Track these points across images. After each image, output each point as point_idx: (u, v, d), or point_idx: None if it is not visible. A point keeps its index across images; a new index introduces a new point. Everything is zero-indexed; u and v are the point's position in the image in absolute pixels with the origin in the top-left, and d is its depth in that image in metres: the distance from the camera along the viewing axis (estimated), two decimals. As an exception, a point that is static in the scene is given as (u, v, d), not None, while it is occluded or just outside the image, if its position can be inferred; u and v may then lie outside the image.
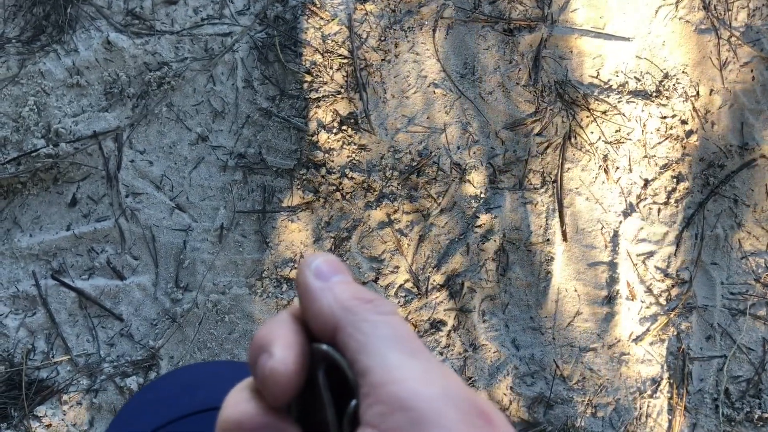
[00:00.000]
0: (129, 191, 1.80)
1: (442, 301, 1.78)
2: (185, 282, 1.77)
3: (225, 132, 1.84)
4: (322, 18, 1.87)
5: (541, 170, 1.84)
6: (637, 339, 1.78)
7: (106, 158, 1.81)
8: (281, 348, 0.39)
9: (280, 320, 0.41)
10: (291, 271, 1.78)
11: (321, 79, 1.85)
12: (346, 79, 1.85)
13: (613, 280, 1.80)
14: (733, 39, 1.90)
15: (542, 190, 1.83)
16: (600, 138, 1.85)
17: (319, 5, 1.88)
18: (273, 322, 0.41)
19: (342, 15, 1.88)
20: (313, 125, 1.82)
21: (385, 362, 0.36)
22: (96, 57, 1.85)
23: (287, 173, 1.82)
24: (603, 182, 1.84)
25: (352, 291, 0.39)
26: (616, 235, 1.82)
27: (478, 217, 1.80)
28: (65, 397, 1.70)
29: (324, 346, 0.40)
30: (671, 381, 1.78)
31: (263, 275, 1.78)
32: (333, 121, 1.83)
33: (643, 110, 1.86)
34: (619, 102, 1.86)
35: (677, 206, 1.84)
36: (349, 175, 1.80)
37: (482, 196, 1.82)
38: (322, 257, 0.42)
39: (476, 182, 1.83)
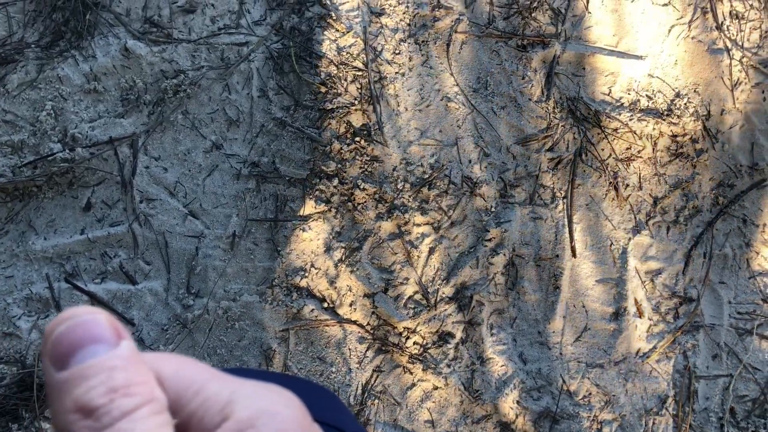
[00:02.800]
0: (143, 197, 1.88)
1: (450, 314, 1.85)
2: (196, 288, 1.85)
3: (239, 141, 1.92)
4: (337, 30, 1.96)
5: (552, 186, 1.92)
6: (644, 356, 1.85)
7: (121, 164, 1.89)
8: None
9: None
10: (301, 279, 1.85)
11: (335, 90, 1.93)
12: (360, 91, 1.93)
13: (621, 297, 1.87)
14: (745, 60, 1.98)
15: (552, 205, 1.91)
16: (611, 155, 1.93)
17: (334, 17, 1.96)
18: None
19: (357, 27, 1.97)
20: (326, 136, 1.90)
21: None
22: (113, 63, 1.93)
23: (300, 183, 1.89)
24: (613, 199, 1.91)
25: (76, 394, 0.31)
26: (624, 252, 1.89)
27: (488, 231, 1.87)
28: (75, 399, 1.77)
29: None
30: (677, 399, 1.85)
31: (274, 283, 1.85)
32: (346, 132, 1.91)
33: (654, 128, 1.94)
34: (630, 120, 1.93)
35: (686, 225, 1.92)
36: (362, 186, 1.88)
37: (493, 210, 1.90)
38: (67, 322, 0.33)
39: (487, 196, 1.90)
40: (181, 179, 1.89)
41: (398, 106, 1.93)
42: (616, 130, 1.92)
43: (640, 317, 1.85)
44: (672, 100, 1.95)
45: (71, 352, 0.32)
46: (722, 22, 1.99)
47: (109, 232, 1.86)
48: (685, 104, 1.94)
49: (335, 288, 1.86)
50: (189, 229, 1.87)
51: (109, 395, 0.31)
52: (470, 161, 1.92)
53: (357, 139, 1.90)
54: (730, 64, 1.97)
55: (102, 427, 0.30)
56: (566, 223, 1.89)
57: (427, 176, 1.90)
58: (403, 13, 1.97)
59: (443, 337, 1.85)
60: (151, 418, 0.31)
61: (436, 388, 1.84)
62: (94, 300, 1.82)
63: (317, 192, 1.88)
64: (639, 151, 1.93)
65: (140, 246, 1.86)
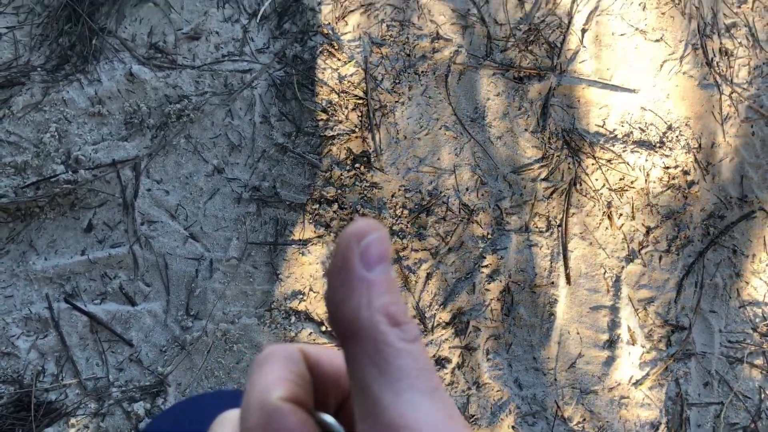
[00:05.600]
0: (144, 219, 1.97)
1: (447, 339, 1.94)
2: (195, 310, 1.93)
3: (241, 165, 2.02)
4: (339, 59, 2.08)
5: (547, 214, 2.03)
6: (637, 383, 1.94)
7: (123, 186, 1.99)
8: None
9: (292, 408, 0.38)
10: (300, 303, 1.94)
11: (336, 117, 2.04)
12: (360, 118, 2.04)
13: (614, 324, 1.97)
14: (734, 95, 2.11)
15: (547, 233, 2.02)
16: (604, 185, 2.05)
17: (336, 47, 2.08)
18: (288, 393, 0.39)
19: (358, 57, 2.09)
20: (326, 162, 2.01)
21: (399, 400, 0.34)
22: (118, 88, 2.04)
23: (300, 207, 1.99)
24: (606, 228, 2.03)
25: (386, 300, 0.37)
26: (618, 280, 2.00)
27: (485, 258, 1.98)
28: (73, 420, 1.84)
29: (327, 419, 0.40)
30: (669, 426, 1.94)
31: (272, 306, 1.94)
32: (346, 158, 2.02)
33: (646, 160, 2.06)
34: (623, 151, 2.06)
35: (678, 254, 2.03)
36: (361, 212, 1.98)
37: (489, 237, 2.00)
38: (377, 233, 0.38)
39: (483, 223, 2.01)
40: (183, 202, 1.99)
41: (397, 134, 2.05)
42: (609, 161, 2.04)
43: (633, 345, 1.95)
44: (664, 133, 2.07)
45: (378, 261, 0.37)
46: (712, 59, 2.13)
47: (110, 254, 1.94)
48: (677, 137, 2.07)
49: (333, 312, 1.94)
50: (189, 252, 1.96)
51: (408, 317, 0.38)
52: (467, 189, 2.03)
53: (357, 165, 2.01)
54: (720, 99, 2.10)
55: (407, 340, 0.36)
56: (561, 251, 1.99)
57: (425, 203, 2.00)
58: (404, 44, 2.10)
59: (440, 362, 1.93)
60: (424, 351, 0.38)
61: (431, 412, 1.92)
62: (94, 321, 1.89)
63: (317, 216, 1.97)
64: (632, 182, 2.04)
65: (140, 267, 1.94)
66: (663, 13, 2.16)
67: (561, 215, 2.01)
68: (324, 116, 2.02)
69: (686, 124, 2.08)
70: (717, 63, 2.12)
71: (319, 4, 2.11)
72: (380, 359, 0.35)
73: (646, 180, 2.04)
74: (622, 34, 2.14)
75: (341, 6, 2.11)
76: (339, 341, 0.37)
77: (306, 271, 1.95)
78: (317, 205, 1.98)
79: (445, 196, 2.01)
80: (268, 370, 0.40)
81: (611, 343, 1.95)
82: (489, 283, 1.96)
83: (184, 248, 1.95)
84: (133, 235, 1.95)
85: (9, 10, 2.11)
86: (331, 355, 0.43)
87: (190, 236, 1.96)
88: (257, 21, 2.10)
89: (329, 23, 2.10)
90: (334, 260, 0.38)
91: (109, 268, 1.94)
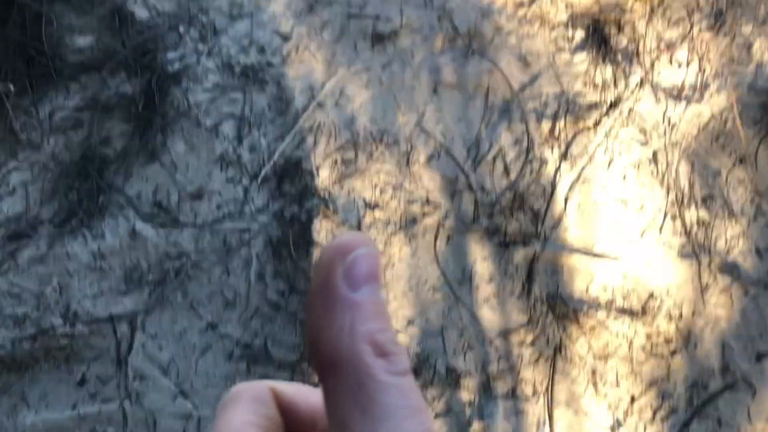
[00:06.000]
0: (136, 374, 2.01)
1: (431, 508, 1.93)
2: (180, 471, 1.94)
3: (234, 322, 2.08)
4: (333, 221, 2.19)
5: (533, 380, 2.07)
6: None
7: (118, 341, 2.04)
8: None
9: None
10: (285, 466, 1.95)
11: (329, 278, 2.12)
12: (352, 279, 2.13)
13: (600, 496, 1.97)
14: (712, 265, 2.21)
15: (533, 399, 2.05)
16: (589, 351, 2.10)
17: (332, 210, 2.20)
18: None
19: (352, 220, 2.20)
20: (318, 321, 2.07)
21: None
22: (121, 244, 2.13)
23: (290, 366, 2.04)
24: (592, 396, 2.06)
25: (372, 326, 0.33)
26: (603, 449, 2.01)
27: (472, 425, 2.00)
28: None
29: None
30: None
31: (257, 468, 1.94)
32: (337, 318, 2.09)
33: (629, 327, 2.12)
34: (606, 318, 2.12)
35: (663, 424, 2.05)
36: (349, 373, 2.02)
37: (476, 402, 2.03)
38: (365, 248, 0.34)
39: (470, 388, 2.05)
40: (176, 358, 2.04)
41: (387, 294, 2.12)
42: (593, 327, 2.11)
43: None
44: (646, 301, 2.15)
45: (365, 281, 0.34)
46: (690, 229, 2.24)
47: (101, 409, 1.97)
48: (659, 305, 2.14)
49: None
50: (178, 409, 1.99)
51: (397, 347, 0.34)
52: (455, 351, 2.08)
53: (347, 325, 2.07)
54: (699, 269, 2.19)
55: (394, 372, 0.32)
56: (547, 419, 2.02)
57: (412, 365, 2.05)
58: (395, 208, 2.21)
59: None
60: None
61: None
62: (77, 479, 1.90)
63: (306, 376, 2.02)
64: (616, 349, 2.10)
65: (129, 425, 1.96)
66: (643, 184, 2.29)
67: (546, 381, 2.05)
68: (317, 276, 2.10)
69: (667, 293, 2.16)
70: (695, 233, 2.23)
71: (318, 168, 2.25)
72: (362, 396, 0.31)
73: (629, 348, 2.10)
74: (604, 203, 2.26)
75: (338, 171, 2.24)
76: (317, 374, 0.33)
77: None
78: (307, 364, 2.02)
79: (433, 358, 2.06)
80: (232, 414, 0.37)
81: None
82: (474, 450, 1.97)
83: (173, 405, 1.99)
84: (124, 391, 1.99)
85: (24, 165, 2.25)
86: (306, 393, 0.39)
87: (180, 393, 2.00)
88: (258, 183, 2.23)
89: (326, 187, 2.22)
90: (315, 279, 0.34)
91: (98, 423, 1.96)
